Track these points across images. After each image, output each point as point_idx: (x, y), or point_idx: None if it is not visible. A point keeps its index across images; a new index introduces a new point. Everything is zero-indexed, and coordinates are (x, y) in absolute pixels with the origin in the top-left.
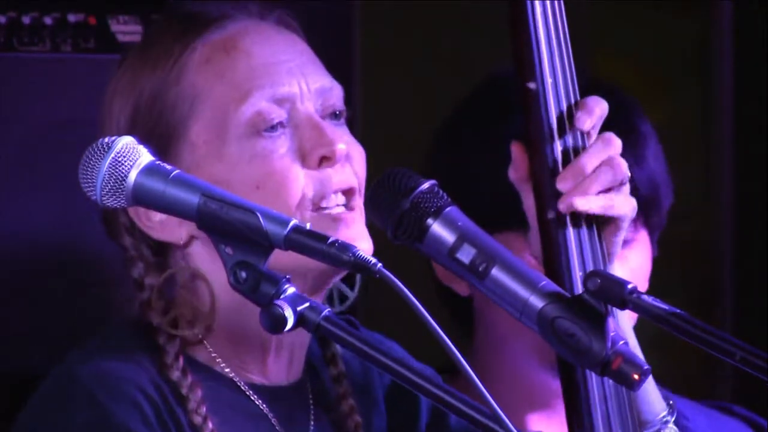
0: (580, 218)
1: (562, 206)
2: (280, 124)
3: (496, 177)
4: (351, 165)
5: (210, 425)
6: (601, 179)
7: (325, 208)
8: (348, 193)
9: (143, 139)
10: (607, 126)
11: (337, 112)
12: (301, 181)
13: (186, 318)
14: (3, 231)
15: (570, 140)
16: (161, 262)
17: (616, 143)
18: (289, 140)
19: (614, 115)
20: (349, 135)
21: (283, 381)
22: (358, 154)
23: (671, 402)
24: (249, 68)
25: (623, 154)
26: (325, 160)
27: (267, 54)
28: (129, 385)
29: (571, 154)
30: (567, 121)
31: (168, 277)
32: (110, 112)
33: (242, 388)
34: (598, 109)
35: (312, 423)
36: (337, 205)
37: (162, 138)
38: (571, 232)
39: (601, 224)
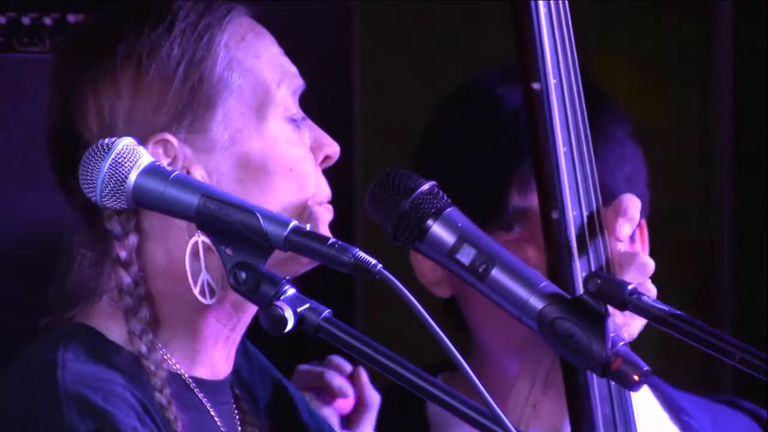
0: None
1: None
2: (299, 116)
3: (475, 178)
4: None
5: (174, 409)
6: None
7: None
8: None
9: (175, 113)
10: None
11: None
12: (314, 176)
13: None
14: (3, 231)
15: (575, 141)
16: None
17: (650, 266)
18: (307, 136)
19: (590, 119)
20: None
21: (220, 375)
22: None
23: None
24: (275, 54)
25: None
26: (328, 159)
27: (278, 46)
28: (112, 383)
29: (575, 156)
30: (572, 122)
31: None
32: (114, 100)
33: (187, 382)
34: (633, 212)
35: (237, 420)
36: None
37: (194, 111)
38: (572, 227)
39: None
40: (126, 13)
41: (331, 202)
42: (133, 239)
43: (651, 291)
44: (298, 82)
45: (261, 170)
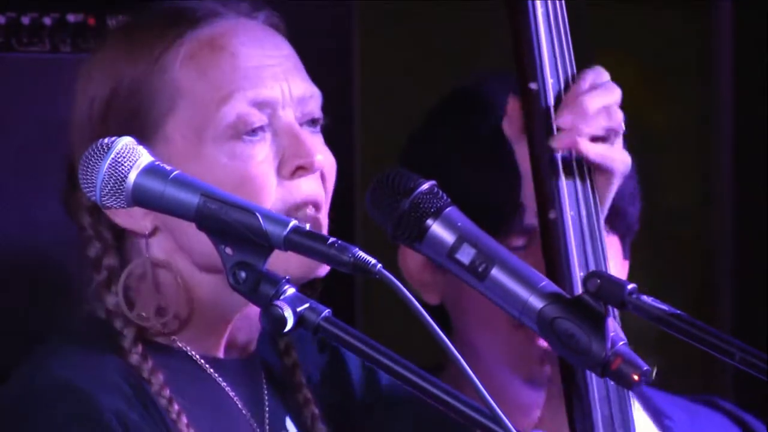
0: (572, 168)
1: (559, 142)
2: (261, 128)
3: (466, 180)
4: (322, 177)
5: (176, 407)
6: (598, 122)
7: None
8: (315, 206)
9: (117, 128)
10: None
11: (315, 120)
12: (272, 192)
13: (150, 309)
14: (2, 231)
15: None
16: (121, 246)
17: (617, 93)
18: (267, 146)
19: None
20: (323, 144)
21: (235, 356)
22: (329, 166)
23: None
24: (233, 69)
25: None
26: (301, 170)
27: (253, 56)
28: (105, 368)
29: (573, 156)
30: None
31: (128, 266)
32: (84, 95)
33: (199, 362)
34: (601, 72)
35: (266, 398)
36: (307, 217)
37: (137, 129)
38: (570, 227)
39: (594, 175)
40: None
41: (330, 203)
42: (111, 260)
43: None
44: (267, 93)
45: None
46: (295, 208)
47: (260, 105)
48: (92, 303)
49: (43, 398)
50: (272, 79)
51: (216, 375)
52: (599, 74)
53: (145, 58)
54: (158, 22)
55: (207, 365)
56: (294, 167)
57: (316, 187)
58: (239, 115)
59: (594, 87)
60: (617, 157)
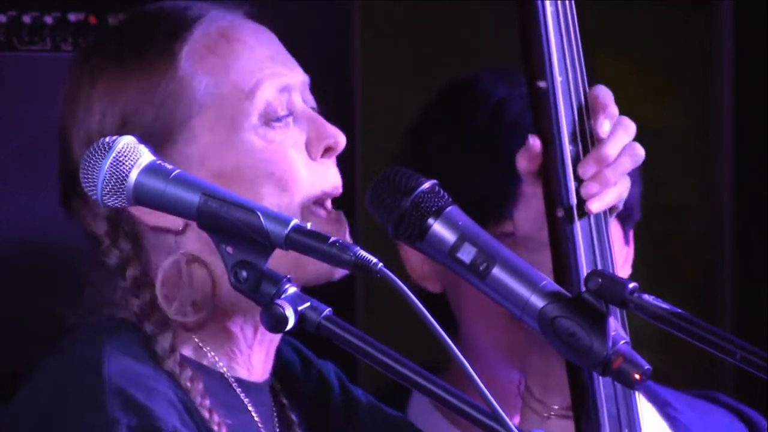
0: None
1: (584, 191)
2: (285, 115)
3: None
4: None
5: (216, 417)
6: (622, 167)
7: (323, 207)
8: (335, 200)
9: (143, 136)
10: None
11: (313, 107)
12: (305, 174)
13: (186, 305)
14: (2, 231)
15: (580, 140)
16: (139, 248)
17: (633, 128)
18: (292, 131)
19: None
20: None
21: (259, 377)
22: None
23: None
24: (253, 58)
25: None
26: (330, 150)
27: (263, 45)
28: (157, 382)
29: (581, 153)
30: (578, 118)
31: (150, 266)
32: (88, 108)
33: (230, 382)
34: (610, 100)
35: (276, 423)
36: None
37: (159, 134)
38: (577, 223)
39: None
40: (120, 24)
41: (333, 199)
42: (134, 269)
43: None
44: (285, 80)
45: (241, 180)
46: (323, 197)
47: (281, 92)
48: (113, 308)
49: (101, 406)
50: (284, 66)
51: (243, 396)
52: (609, 107)
53: (155, 62)
54: (159, 24)
55: (236, 385)
56: (323, 148)
57: (337, 173)
58: (269, 103)
59: (612, 132)
60: (626, 190)
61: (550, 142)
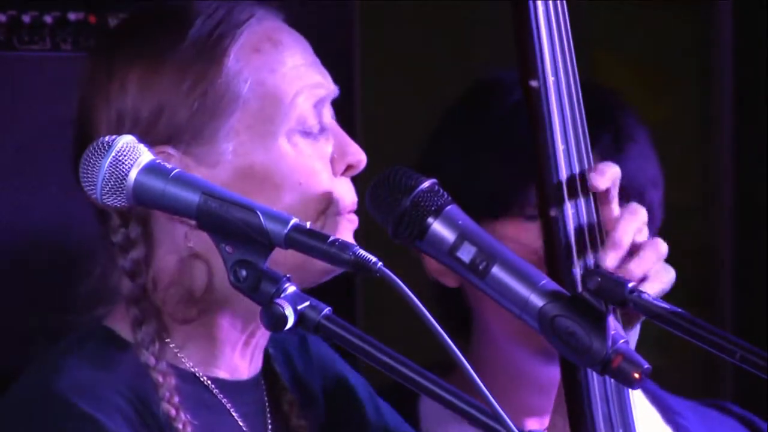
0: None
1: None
2: (319, 128)
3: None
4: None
5: (183, 416)
6: (650, 259)
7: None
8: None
9: (166, 136)
10: (592, 124)
11: (334, 117)
12: (329, 188)
13: (174, 295)
14: (3, 230)
15: (572, 139)
16: (144, 236)
17: (642, 212)
18: (323, 144)
19: (600, 114)
20: None
21: (244, 376)
22: None
23: None
24: (295, 65)
25: (606, 154)
26: (352, 168)
27: (303, 52)
28: (108, 389)
29: (574, 152)
30: (569, 120)
31: (153, 253)
32: (123, 94)
33: (206, 383)
34: (609, 172)
35: (269, 418)
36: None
37: (198, 125)
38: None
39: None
40: (146, 16)
41: None
42: (138, 251)
43: (670, 272)
44: (321, 93)
45: (267, 183)
46: (351, 208)
47: (317, 104)
48: (103, 307)
49: (48, 423)
50: (322, 77)
51: (221, 396)
52: (604, 173)
53: (205, 55)
54: (213, 16)
55: (213, 386)
56: (345, 165)
57: (353, 190)
58: (305, 115)
59: (620, 217)
60: (664, 279)
61: (543, 142)
